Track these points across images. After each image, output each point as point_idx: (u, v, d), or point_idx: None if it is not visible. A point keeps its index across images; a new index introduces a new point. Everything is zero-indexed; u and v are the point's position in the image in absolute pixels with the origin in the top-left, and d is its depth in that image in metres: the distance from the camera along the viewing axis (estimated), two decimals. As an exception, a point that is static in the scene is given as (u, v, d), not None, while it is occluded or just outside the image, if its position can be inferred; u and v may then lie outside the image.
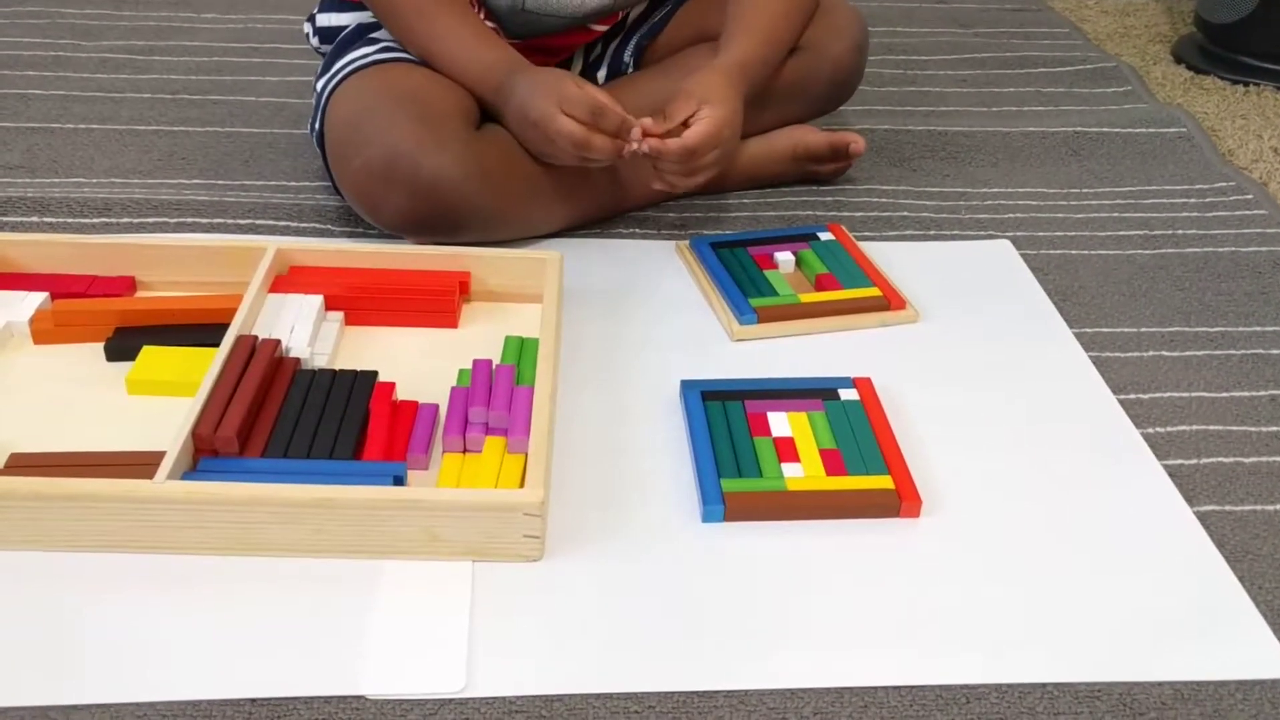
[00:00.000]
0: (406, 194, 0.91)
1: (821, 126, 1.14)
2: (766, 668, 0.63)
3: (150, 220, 1.02)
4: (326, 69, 1.01)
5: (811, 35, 1.09)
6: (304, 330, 0.84)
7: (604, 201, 1.04)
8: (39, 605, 0.64)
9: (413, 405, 0.79)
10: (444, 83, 0.97)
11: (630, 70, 1.12)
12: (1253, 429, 0.83)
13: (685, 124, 0.94)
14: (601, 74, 1.13)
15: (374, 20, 1.02)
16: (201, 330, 0.85)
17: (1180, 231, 1.10)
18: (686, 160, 0.94)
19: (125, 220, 1.02)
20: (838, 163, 1.13)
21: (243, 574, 0.67)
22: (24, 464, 0.71)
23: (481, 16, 1.01)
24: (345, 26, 1.04)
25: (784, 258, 0.99)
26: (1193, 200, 1.15)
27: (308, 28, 1.09)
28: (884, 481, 0.74)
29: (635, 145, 0.91)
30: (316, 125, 1.01)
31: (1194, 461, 0.80)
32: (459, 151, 0.91)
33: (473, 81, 0.97)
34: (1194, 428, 0.83)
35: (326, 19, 1.06)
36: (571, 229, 1.03)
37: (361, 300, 0.89)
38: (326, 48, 1.06)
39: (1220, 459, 0.80)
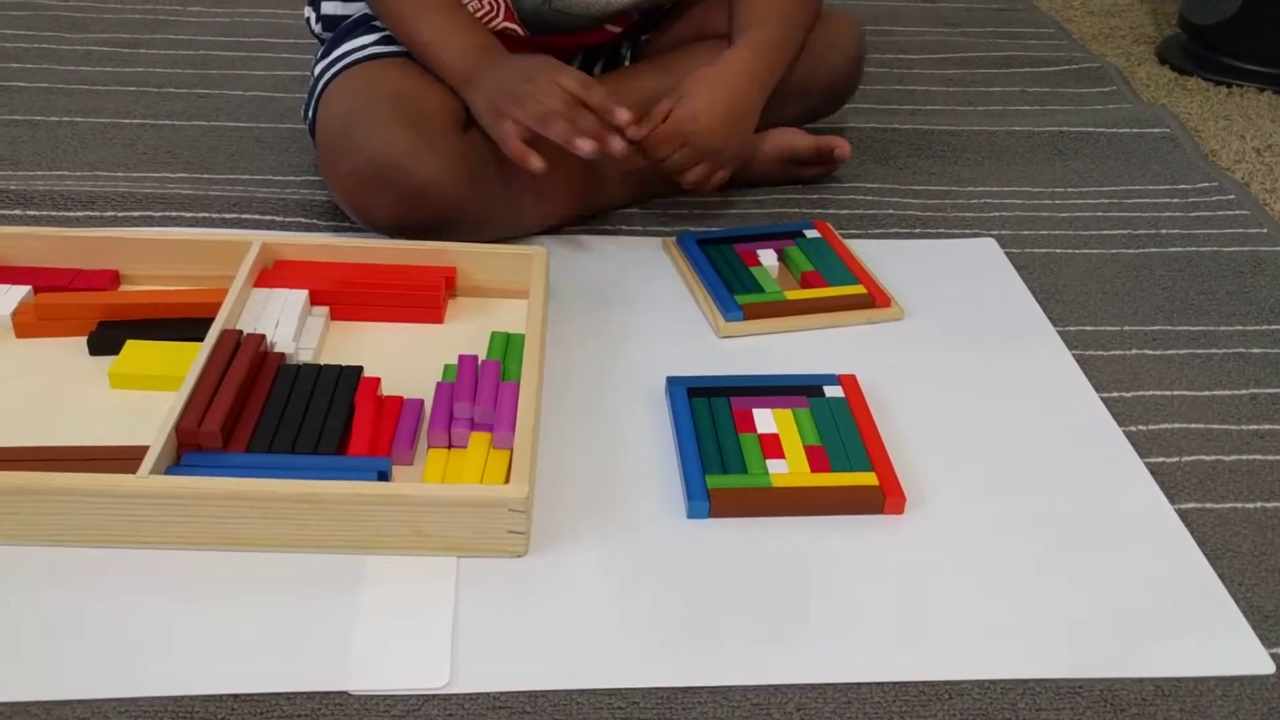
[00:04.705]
0: (395, 199, 0.91)
1: (808, 128, 1.14)
2: (750, 663, 0.63)
3: (134, 214, 1.02)
4: (326, 54, 1.00)
5: (811, 43, 1.08)
6: (289, 325, 0.84)
7: (592, 200, 1.04)
8: (20, 600, 0.64)
9: (398, 400, 0.78)
10: (436, 83, 0.96)
11: (627, 64, 1.12)
12: (1234, 427, 0.84)
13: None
14: (598, 68, 1.13)
15: None
16: (185, 324, 0.84)
17: (1163, 231, 1.10)
18: (650, 156, 0.97)
19: (109, 214, 1.02)
20: (823, 166, 1.14)
21: (226, 569, 0.67)
22: (6, 458, 0.71)
23: (503, 13, 1.00)
24: (350, 16, 1.04)
25: (768, 260, 0.99)
26: (1176, 200, 1.16)
27: (309, 13, 1.08)
28: (868, 478, 0.75)
29: (619, 144, 0.90)
30: (311, 114, 1.00)
31: (1175, 459, 0.80)
32: (448, 156, 0.91)
33: (452, 57, 0.94)
34: (1176, 426, 0.84)
35: (332, 7, 1.06)
36: (564, 225, 1.03)
37: (347, 295, 0.89)
38: (328, 35, 1.06)
39: (1201, 457, 0.81)
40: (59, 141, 1.15)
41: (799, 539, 0.72)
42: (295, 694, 0.60)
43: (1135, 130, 1.30)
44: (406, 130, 0.90)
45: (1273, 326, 0.96)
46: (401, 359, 0.85)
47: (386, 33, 0.99)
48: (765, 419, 0.80)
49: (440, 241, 0.93)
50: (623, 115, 0.91)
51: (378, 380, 0.80)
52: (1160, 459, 0.80)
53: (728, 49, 1.01)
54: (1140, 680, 0.63)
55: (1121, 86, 1.44)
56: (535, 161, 0.89)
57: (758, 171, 1.12)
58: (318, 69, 1.01)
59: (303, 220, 1.03)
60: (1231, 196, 1.16)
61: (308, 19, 1.09)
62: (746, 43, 1.00)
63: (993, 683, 0.63)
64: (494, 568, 0.68)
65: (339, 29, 1.03)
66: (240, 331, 0.82)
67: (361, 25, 1.01)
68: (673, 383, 0.83)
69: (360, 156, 0.90)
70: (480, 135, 0.96)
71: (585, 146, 0.88)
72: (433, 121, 0.92)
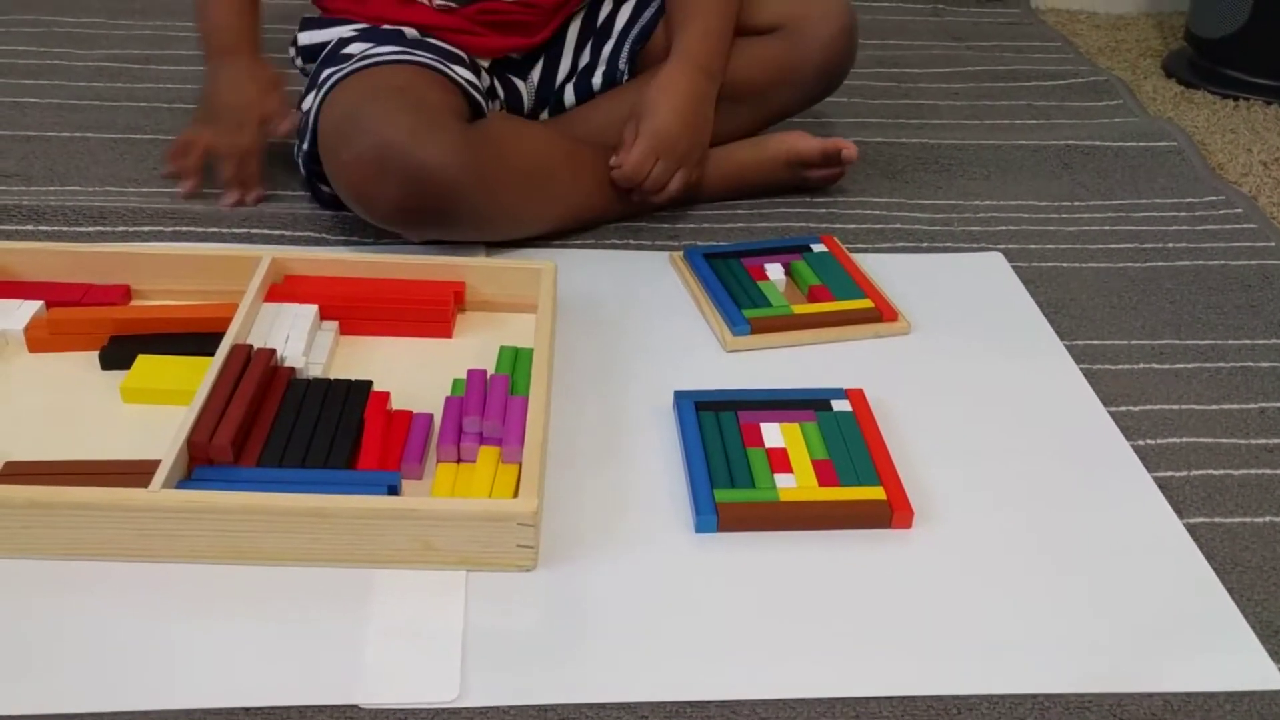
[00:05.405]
0: (398, 184, 0.91)
1: (814, 136, 1.14)
2: (758, 678, 0.63)
3: (145, 229, 1.02)
4: (312, 85, 1.01)
5: (798, 19, 1.09)
6: (299, 339, 0.84)
7: (595, 203, 1.05)
8: (33, 613, 0.64)
9: (407, 415, 0.79)
10: (433, 81, 0.97)
11: (625, 77, 1.13)
12: (1241, 441, 0.84)
13: None
14: (597, 80, 1.13)
15: (353, 35, 1.03)
16: (196, 339, 0.85)
17: (1170, 245, 1.10)
18: (630, 184, 1.03)
19: (120, 229, 1.02)
20: (830, 169, 1.14)
21: (237, 583, 0.67)
22: (19, 472, 0.71)
23: None
24: (327, 43, 1.05)
25: (775, 274, 0.99)
26: (1183, 214, 1.16)
27: (292, 51, 1.10)
28: (876, 492, 0.75)
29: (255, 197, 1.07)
30: (305, 145, 1.01)
31: (1183, 473, 0.80)
32: (451, 142, 0.92)
33: (221, 21, 1.08)
34: (1184, 440, 0.84)
35: (308, 37, 1.07)
36: (563, 230, 1.04)
37: (356, 310, 0.89)
38: (310, 66, 1.07)
39: (1209, 471, 0.81)
40: (71, 157, 1.16)
41: (807, 553, 0.72)
42: (305, 707, 0.60)
43: (1142, 144, 1.30)
44: (411, 115, 0.91)
45: (1280, 340, 0.97)
46: (410, 373, 0.85)
47: (366, 49, 1.00)
48: (773, 433, 0.80)
49: (440, 237, 0.93)
50: (256, 195, 1.07)
51: (387, 394, 0.80)
52: (1168, 473, 0.80)
53: (665, 66, 1.04)
54: (1149, 695, 0.63)
55: (1128, 100, 1.45)
56: (189, 186, 1.07)
57: (765, 177, 1.13)
58: (306, 103, 1.02)
59: (312, 235, 1.04)
60: (1239, 210, 1.16)
61: (291, 57, 1.10)
62: (679, 43, 1.05)
63: (1001, 697, 0.63)
64: (503, 582, 0.68)
65: (320, 59, 1.04)
66: (251, 346, 0.82)
67: (339, 50, 1.02)
68: (680, 396, 0.83)
69: (365, 142, 0.91)
70: (484, 129, 0.97)
71: (230, 199, 1.06)
72: (436, 110, 0.93)
